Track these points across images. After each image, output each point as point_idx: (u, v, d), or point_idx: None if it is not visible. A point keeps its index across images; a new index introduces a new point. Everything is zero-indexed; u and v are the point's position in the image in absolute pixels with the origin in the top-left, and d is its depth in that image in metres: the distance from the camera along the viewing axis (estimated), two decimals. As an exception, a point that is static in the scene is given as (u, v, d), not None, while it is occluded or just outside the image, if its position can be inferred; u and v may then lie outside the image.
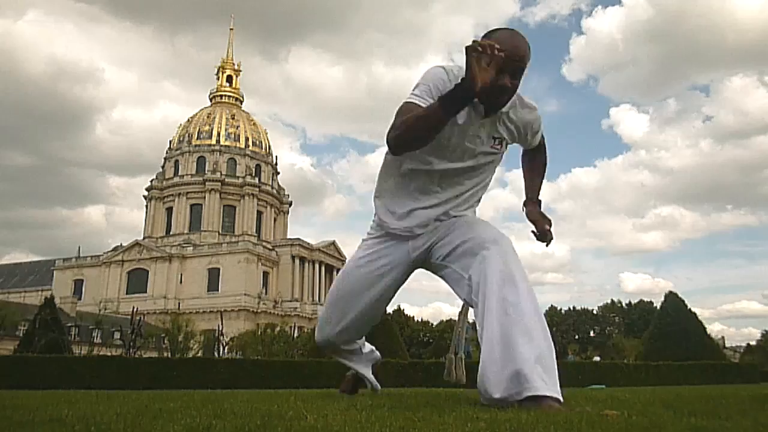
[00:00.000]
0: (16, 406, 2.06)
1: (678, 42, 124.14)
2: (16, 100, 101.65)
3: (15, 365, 11.46)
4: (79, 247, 75.53)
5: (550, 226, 2.45)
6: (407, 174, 2.26)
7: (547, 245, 2.47)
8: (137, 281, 67.33)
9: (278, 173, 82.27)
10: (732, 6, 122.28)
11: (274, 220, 78.92)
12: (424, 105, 2.00)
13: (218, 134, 75.59)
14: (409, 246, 2.36)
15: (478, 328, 2.05)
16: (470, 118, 2.10)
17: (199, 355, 35.78)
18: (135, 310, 27.39)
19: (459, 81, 1.87)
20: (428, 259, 2.35)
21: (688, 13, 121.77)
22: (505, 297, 1.96)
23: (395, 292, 2.54)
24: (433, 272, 2.40)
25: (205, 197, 73.08)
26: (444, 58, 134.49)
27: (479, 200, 2.41)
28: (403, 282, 2.51)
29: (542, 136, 2.40)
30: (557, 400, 1.83)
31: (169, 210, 74.67)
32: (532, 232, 2.46)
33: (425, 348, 54.62)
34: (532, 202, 2.49)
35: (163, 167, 78.39)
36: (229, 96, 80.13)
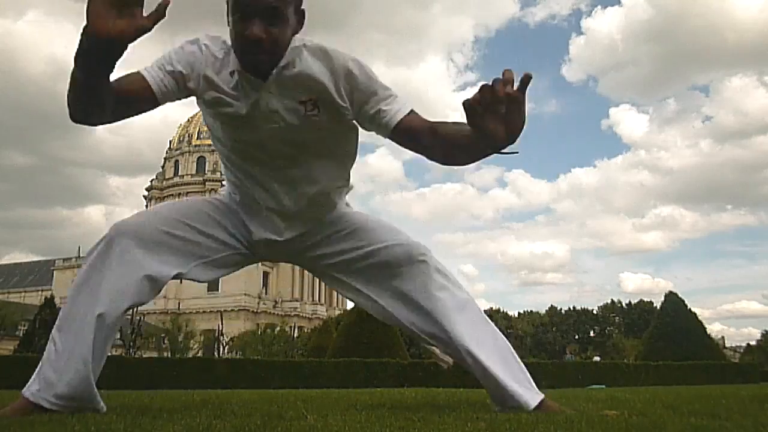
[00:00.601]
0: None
1: (678, 42, 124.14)
2: (16, 100, 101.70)
3: (15, 365, 11.45)
4: (79, 247, 75.49)
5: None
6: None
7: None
8: (137, 281, 67.38)
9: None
10: (731, 6, 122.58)
11: (274, 220, 78.92)
12: (147, 76, 1.60)
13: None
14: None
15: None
16: (233, 91, 1.64)
17: (199, 355, 35.82)
18: (135, 310, 27.43)
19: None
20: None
21: (688, 13, 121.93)
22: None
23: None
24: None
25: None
26: (444, 59, 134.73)
27: (347, 178, 1.96)
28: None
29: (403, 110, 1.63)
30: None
31: (169, 210, 74.73)
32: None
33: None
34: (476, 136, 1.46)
35: (163, 167, 78.44)
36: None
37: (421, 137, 1.62)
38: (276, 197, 1.81)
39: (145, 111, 1.65)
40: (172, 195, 74.44)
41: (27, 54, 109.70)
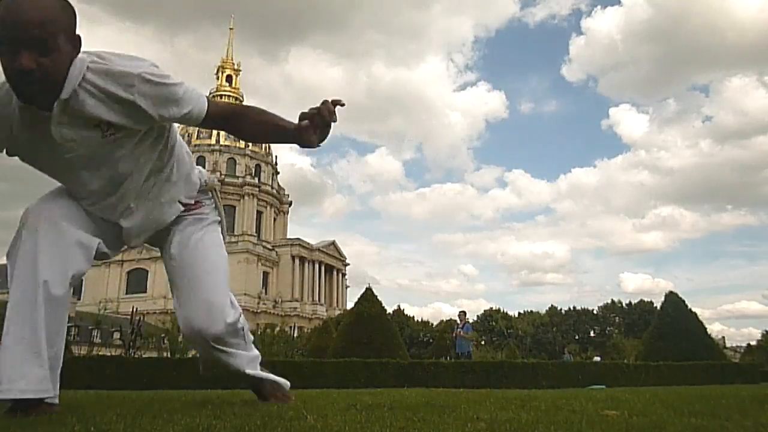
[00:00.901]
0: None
1: (677, 42, 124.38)
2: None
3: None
4: (79, 247, 75.62)
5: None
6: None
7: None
8: (137, 281, 67.36)
9: (278, 173, 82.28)
10: (731, 6, 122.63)
11: (274, 220, 78.91)
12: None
13: (218, 134, 75.55)
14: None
15: None
16: (29, 126, 1.66)
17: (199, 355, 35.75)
18: (135, 310, 27.31)
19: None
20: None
21: (688, 13, 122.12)
22: None
23: None
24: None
25: (204, 197, 73.14)
26: (444, 59, 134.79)
27: (171, 179, 1.99)
28: None
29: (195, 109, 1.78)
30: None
31: (169, 210, 74.73)
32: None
33: (425, 348, 54.59)
34: (298, 124, 1.81)
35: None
36: (229, 96, 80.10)
37: (225, 124, 1.88)
38: (102, 197, 1.87)
39: None
40: (172, 195, 74.47)
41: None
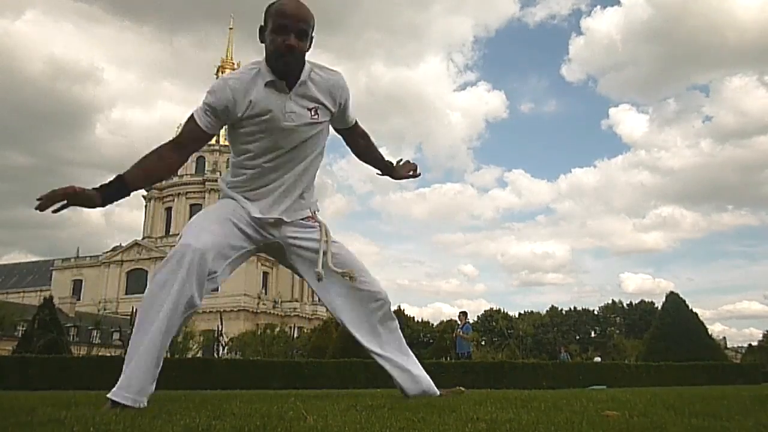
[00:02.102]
0: (15, 407, 2.06)
1: (677, 42, 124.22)
2: (15, 100, 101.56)
3: (14, 366, 11.45)
4: (78, 248, 75.65)
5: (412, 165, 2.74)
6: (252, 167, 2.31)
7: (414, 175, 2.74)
8: (136, 281, 67.34)
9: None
10: (731, 6, 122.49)
11: (274, 220, 79.00)
12: (203, 126, 2.18)
13: (218, 134, 75.59)
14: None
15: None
16: (274, 99, 2.17)
17: (199, 355, 35.78)
18: (134, 310, 27.41)
19: (231, 101, 2.14)
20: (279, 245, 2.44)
21: (688, 12, 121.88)
22: None
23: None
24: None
25: (204, 197, 73.08)
26: (443, 59, 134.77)
27: (315, 173, 2.44)
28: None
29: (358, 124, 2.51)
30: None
31: (169, 210, 74.71)
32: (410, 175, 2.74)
33: (425, 348, 54.57)
34: (388, 167, 2.68)
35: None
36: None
37: (357, 136, 2.57)
38: (283, 182, 2.29)
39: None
40: (172, 195, 74.48)
41: (26, 54, 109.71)
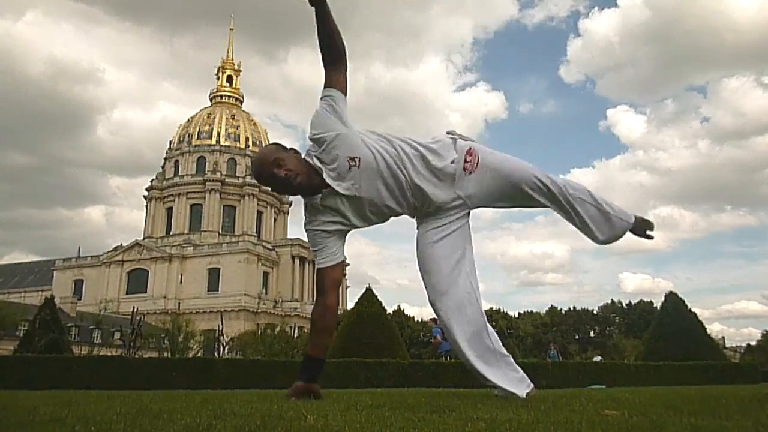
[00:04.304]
0: (16, 407, 2.06)
1: (675, 43, 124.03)
2: (16, 101, 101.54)
3: (15, 365, 11.44)
4: (79, 248, 75.56)
5: None
6: None
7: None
8: (137, 281, 67.30)
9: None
10: (729, 7, 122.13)
11: (274, 220, 78.91)
12: (331, 264, 2.42)
13: (218, 134, 75.57)
14: None
15: None
16: (319, 211, 2.40)
17: (199, 355, 35.76)
18: (135, 310, 27.38)
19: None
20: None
21: (685, 14, 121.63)
22: None
23: None
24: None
25: (205, 197, 73.06)
26: (443, 59, 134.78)
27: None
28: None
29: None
30: None
31: (169, 210, 74.65)
32: None
33: (425, 348, 54.54)
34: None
35: (163, 167, 78.35)
36: (229, 96, 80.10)
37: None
38: None
39: None
40: (173, 195, 74.42)
41: (26, 54, 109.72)
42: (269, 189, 2.46)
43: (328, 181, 2.30)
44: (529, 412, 1.70)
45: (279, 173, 2.28)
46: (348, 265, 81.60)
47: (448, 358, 15.39)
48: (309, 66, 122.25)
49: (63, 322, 18.24)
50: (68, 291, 63.43)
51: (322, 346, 2.46)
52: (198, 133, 76.13)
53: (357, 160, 2.30)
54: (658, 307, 21.66)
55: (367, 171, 2.32)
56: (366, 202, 2.37)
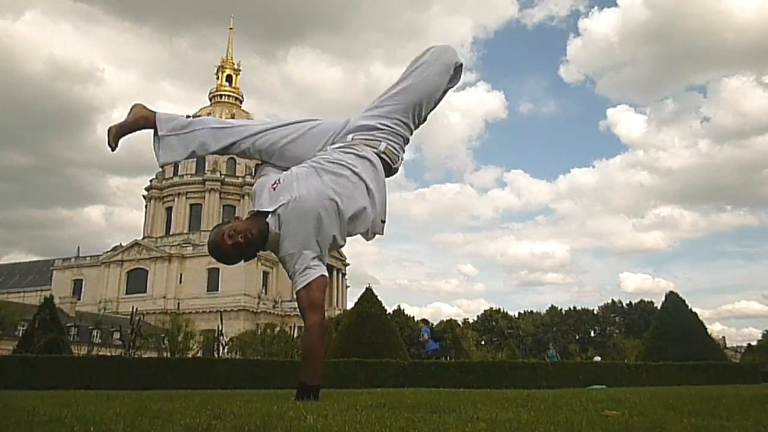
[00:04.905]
0: (16, 407, 2.06)
1: (675, 43, 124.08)
2: (15, 100, 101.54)
3: (14, 365, 11.44)
4: (79, 247, 75.56)
5: None
6: None
7: None
8: (137, 281, 67.31)
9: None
10: (729, 6, 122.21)
11: (274, 220, 78.90)
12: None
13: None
14: None
15: None
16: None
17: (199, 355, 35.76)
18: (134, 310, 27.38)
19: None
20: None
21: (685, 13, 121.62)
22: None
23: None
24: None
25: (204, 197, 73.07)
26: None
27: None
28: None
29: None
30: None
31: (169, 210, 74.66)
32: None
33: (424, 348, 54.59)
34: None
35: (162, 167, 78.37)
36: (229, 96, 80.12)
37: None
38: None
39: None
40: (172, 195, 74.44)
41: (25, 54, 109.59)
42: None
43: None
44: (529, 412, 1.70)
45: (237, 240, 2.39)
46: (348, 265, 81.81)
47: (436, 357, 15.59)
48: (309, 66, 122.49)
49: (62, 322, 18.25)
50: (67, 291, 63.44)
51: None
52: (198, 133, 76.02)
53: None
54: (659, 307, 21.69)
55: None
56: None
